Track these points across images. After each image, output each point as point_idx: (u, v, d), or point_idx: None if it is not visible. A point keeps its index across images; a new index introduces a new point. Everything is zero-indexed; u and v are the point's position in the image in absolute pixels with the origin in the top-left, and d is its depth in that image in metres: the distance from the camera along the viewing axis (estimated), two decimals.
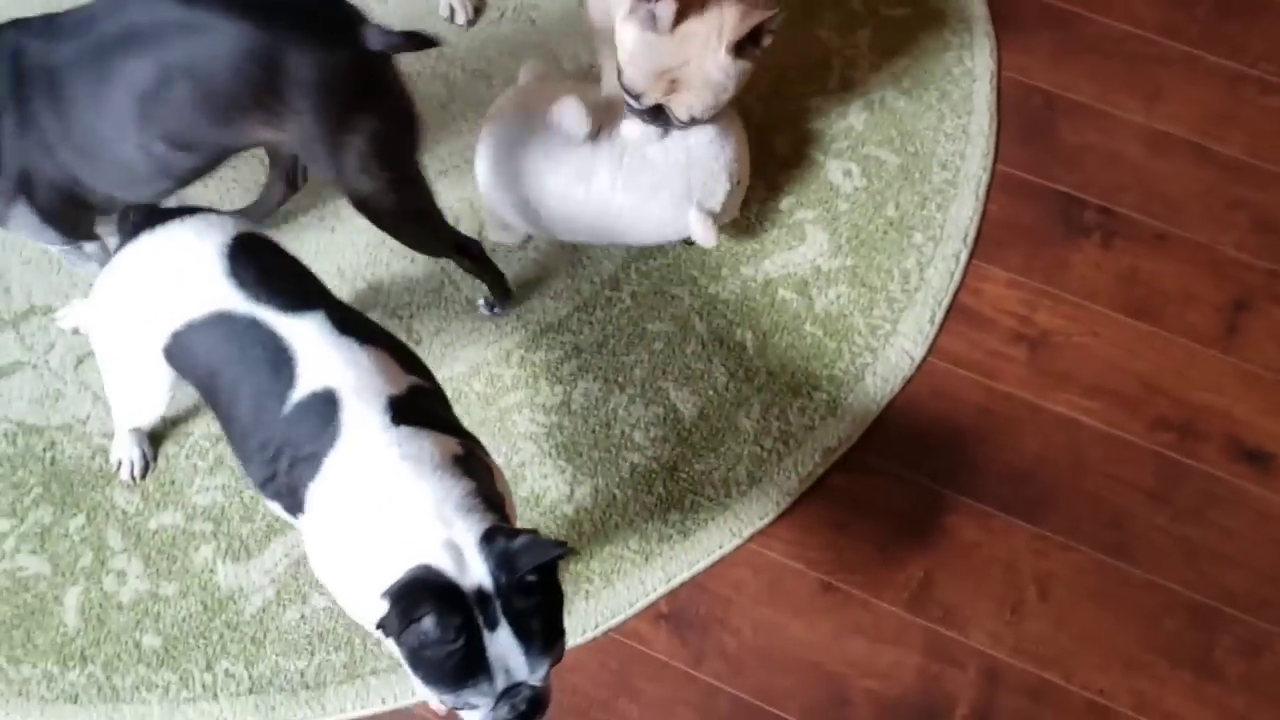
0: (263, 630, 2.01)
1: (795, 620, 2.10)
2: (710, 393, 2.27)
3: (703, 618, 2.10)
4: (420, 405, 1.64)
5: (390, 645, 1.47)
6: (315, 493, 1.58)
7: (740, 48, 2.12)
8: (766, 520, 2.17)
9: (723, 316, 2.34)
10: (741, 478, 2.19)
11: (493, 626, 1.41)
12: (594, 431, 2.22)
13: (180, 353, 1.67)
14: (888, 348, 2.33)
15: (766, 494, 2.18)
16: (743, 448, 2.22)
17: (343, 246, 2.37)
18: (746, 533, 2.16)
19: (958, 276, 2.43)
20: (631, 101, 2.22)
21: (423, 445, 1.56)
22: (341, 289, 2.32)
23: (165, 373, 1.72)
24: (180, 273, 1.68)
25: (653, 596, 2.10)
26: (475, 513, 1.49)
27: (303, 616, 2.03)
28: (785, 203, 2.49)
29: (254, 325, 1.63)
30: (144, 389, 1.81)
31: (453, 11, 2.66)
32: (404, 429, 1.57)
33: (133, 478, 2.10)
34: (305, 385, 1.60)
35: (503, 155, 2.31)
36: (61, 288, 2.30)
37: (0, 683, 1.95)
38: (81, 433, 2.16)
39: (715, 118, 2.27)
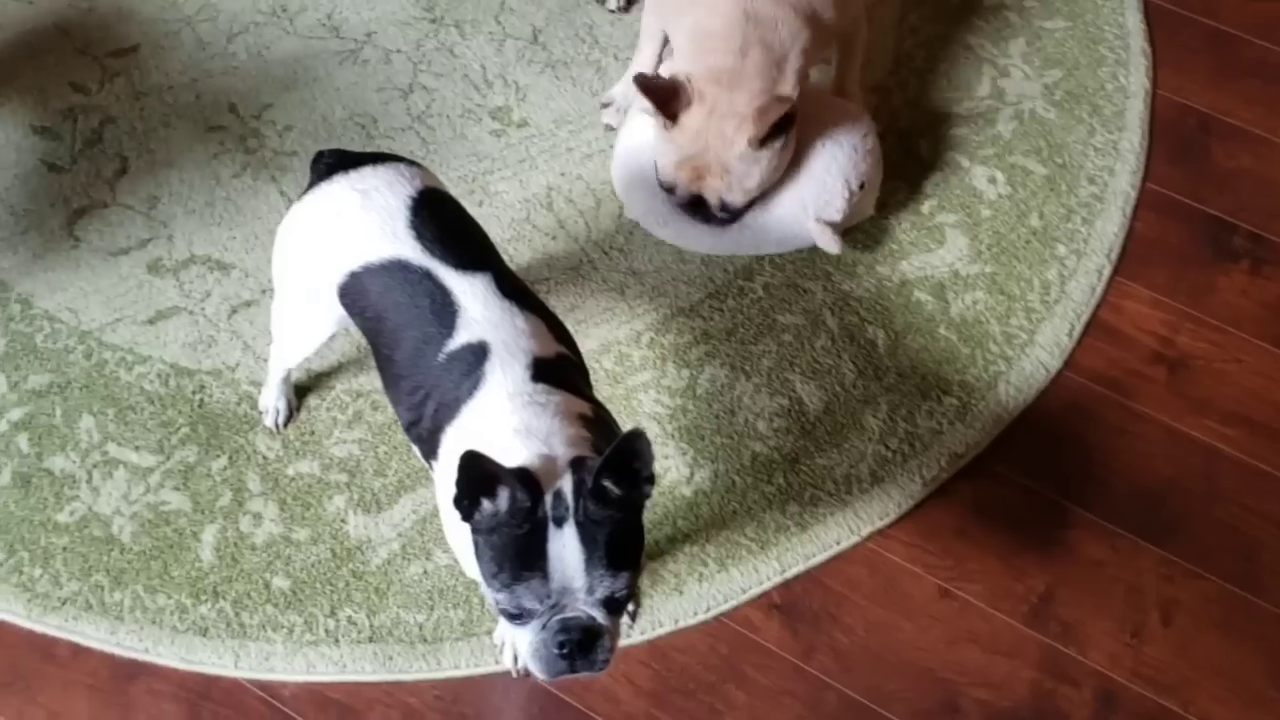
0: (386, 582, 2.07)
1: (909, 623, 2.09)
2: (837, 388, 2.27)
3: (815, 612, 2.10)
4: (562, 371, 1.69)
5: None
6: (450, 436, 1.63)
7: (761, 142, 2.16)
8: (887, 520, 2.16)
9: (855, 313, 2.34)
10: (864, 476, 2.19)
11: (560, 523, 1.42)
12: (718, 417, 2.23)
13: (354, 292, 1.75)
14: (1023, 358, 2.31)
15: (888, 494, 2.17)
16: (867, 446, 2.22)
17: (488, 220, 2.40)
18: (865, 531, 2.15)
19: (1099, 292, 2.39)
20: (670, 196, 2.29)
21: (551, 398, 1.61)
22: None
23: (334, 310, 1.80)
24: (366, 217, 1.75)
25: (766, 585, 2.10)
26: (577, 448, 1.53)
27: (425, 572, 2.08)
28: (926, 205, 2.48)
29: (427, 277, 1.70)
30: (310, 323, 1.90)
31: None
32: (540, 385, 1.63)
33: (276, 425, 2.18)
34: (462, 337, 1.66)
35: (633, 166, 2.36)
36: (221, 239, 2.39)
37: (137, 610, 2.04)
38: (230, 379, 2.25)
39: (833, 123, 2.29)
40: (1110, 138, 2.57)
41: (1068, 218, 2.47)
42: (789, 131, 2.22)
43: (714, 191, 2.24)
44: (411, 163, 1.87)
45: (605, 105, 2.55)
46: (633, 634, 2.05)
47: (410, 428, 1.72)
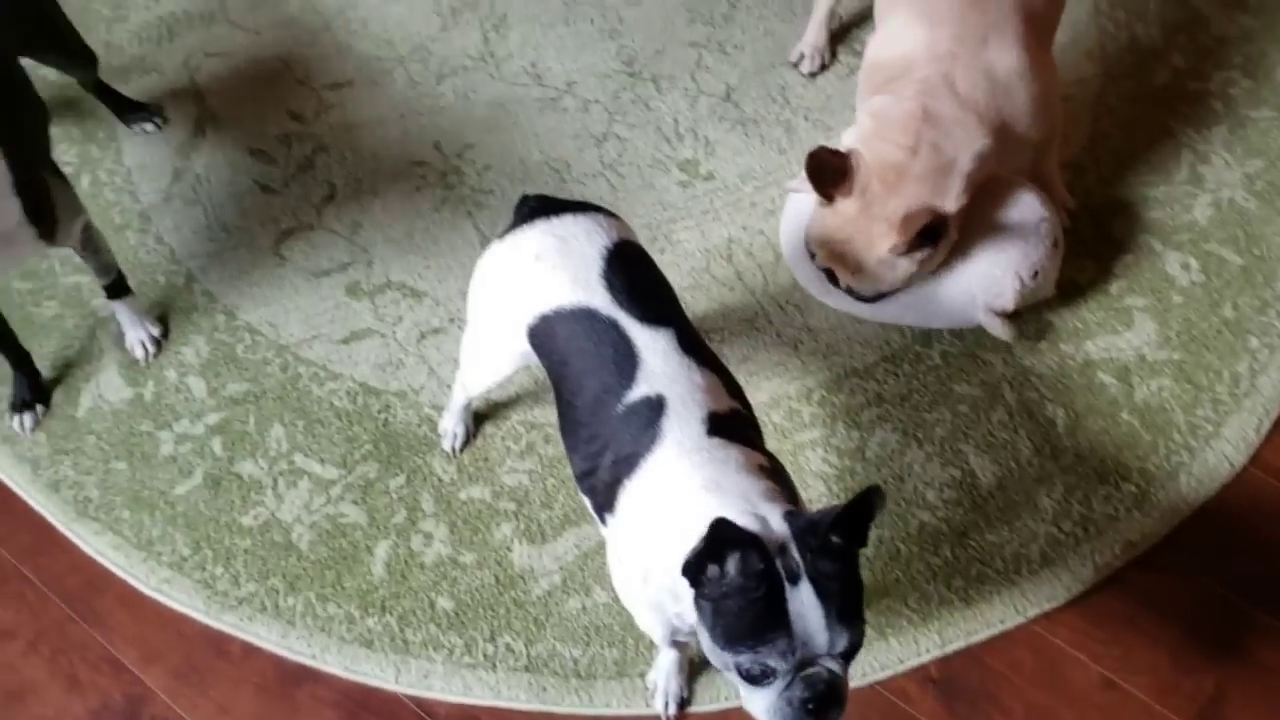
0: (545, 613, 2.10)
1: (1070, 711, 2.03)
2: (1012, 464, 2.24)
3: (974, 690, 2.06)
4: (735, 425, 1.71)
5: (690, 615, 1.51)
6: (629, 491, 1.65)
7: (907, 248, 2.13)
8: (1055, 604, 2.11)
9: (1035, 390, 2.31)
10: (1034, 556, 2.15)
11: (794, 580, 1.41)
12: (886, 482, 2.22)
13: (543, 334, 1.80)
14: (1207, 450, 2.24)
15: (1058, 577, 2.13)
16: (1039, 526, 2.17)
17: (668, 268, 2.44)
18: (1032, 613, 2.11)
19: None
20: (812, 257, 2.30)
21: (730, 453, 1.63)
22: None
23: (521, 348, 1.85)
24: (562, 263, 1.80)
25: (925, 658, 2.07)
26: (778, 502, 1.53)
27: (584, 607, 2.11)
28: (1115, 286, 2.43)
29: (613, 327, 1.73)
30: (497, 358, 1.96)
31: (802, 59, 2.75)
32: (716, 440, 1.65)
33: (453, 449, 2.24)
34: (640, 389, 1.69)
35: (797, 232, 2.37)
36: (416, 268, 2.49)
37: (308, 616, 2.11)
38: (414, 401, 2.33)
39: (1009, 211, 2.26)
40: None
41: (1263, 310, 2.40)
42: (939, 241, 2.18)
43: (843, 276, 2.25)
44: (610, 214, 1.91)
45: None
46: None
47: (584, 477, 1.75)
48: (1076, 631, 2.10)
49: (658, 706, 2.02)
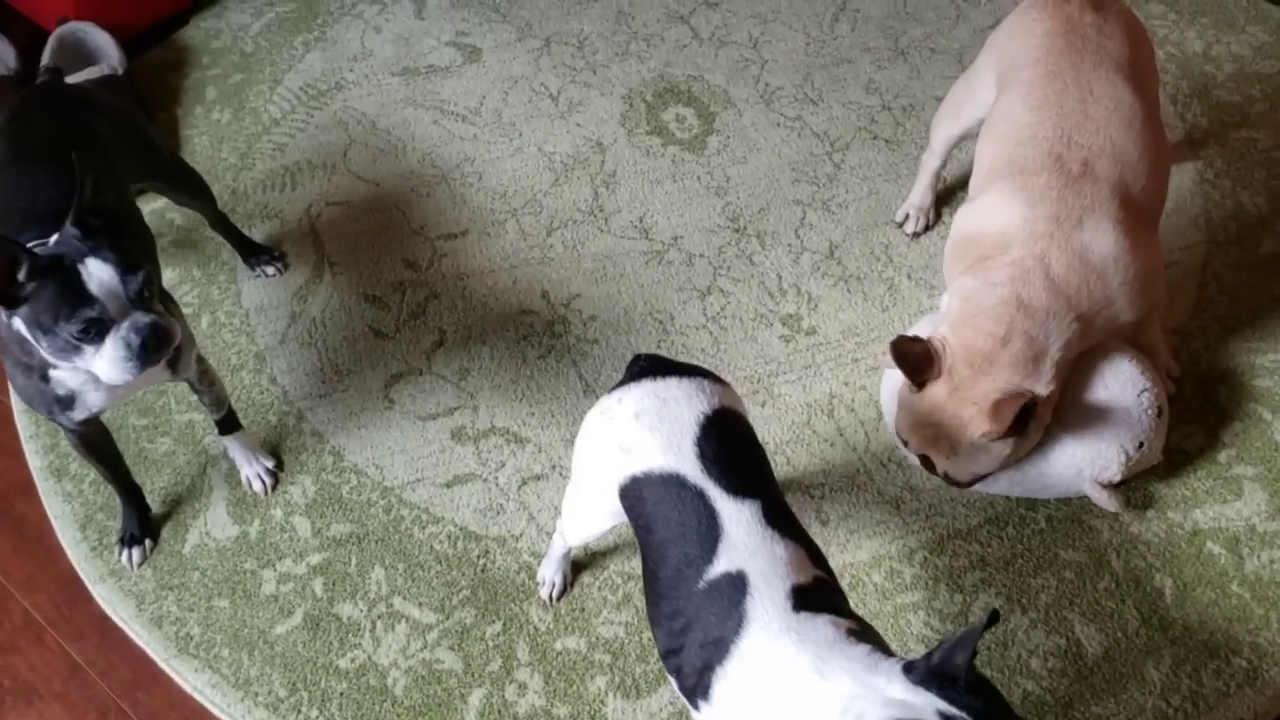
0: None
1: None
2: (1119, 634, 2.18)
3: None
4: (821, 595, 1.68)
5: None
6: (725, 678, 1.61)
7: (1010, 428, 2.10)
8: None
9: (1142, 558, 2.26)
10: None
11: None
12: (989, 649, 2.18)
13: (632, 496, 1.81)
14: None
15: None
16: (1147, 699, 2.11)
17: (769, 421, 2.49)
18: None
19: None
20: (901, 447, 2.30)
21: (820, 626, 1.60)
22: None
23: (614, 506, 1.86)
24: (659, 425, 1.81)
25: None
26: (883, 661, 1.51)
27: None
28: (1224, 455, 2.40)
29: (699, 497, 1.72)
30: (596, 513, 1.96)
31: (906, 219, 2.79)
32: (803, 614, 1.62)
33: (550, 598, 2.25)
34: (722, 564, 1.67)
35: (897, 394, 2.34)
36: (521, 414, 2.53)
37: None
38: (513, 547, 2.35)
39: (1112, 383, 2.24)
40: None
41: None
42: (1031, 423, 2.16)
43: (941, 465, 2.22)
44: (717, 379, 1.91)
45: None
46: None
47: (669, 656, 1.71)
48: None
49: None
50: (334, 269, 2.81)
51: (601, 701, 2.16)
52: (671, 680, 1.75)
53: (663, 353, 2.58)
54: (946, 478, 2.26)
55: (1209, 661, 2.15)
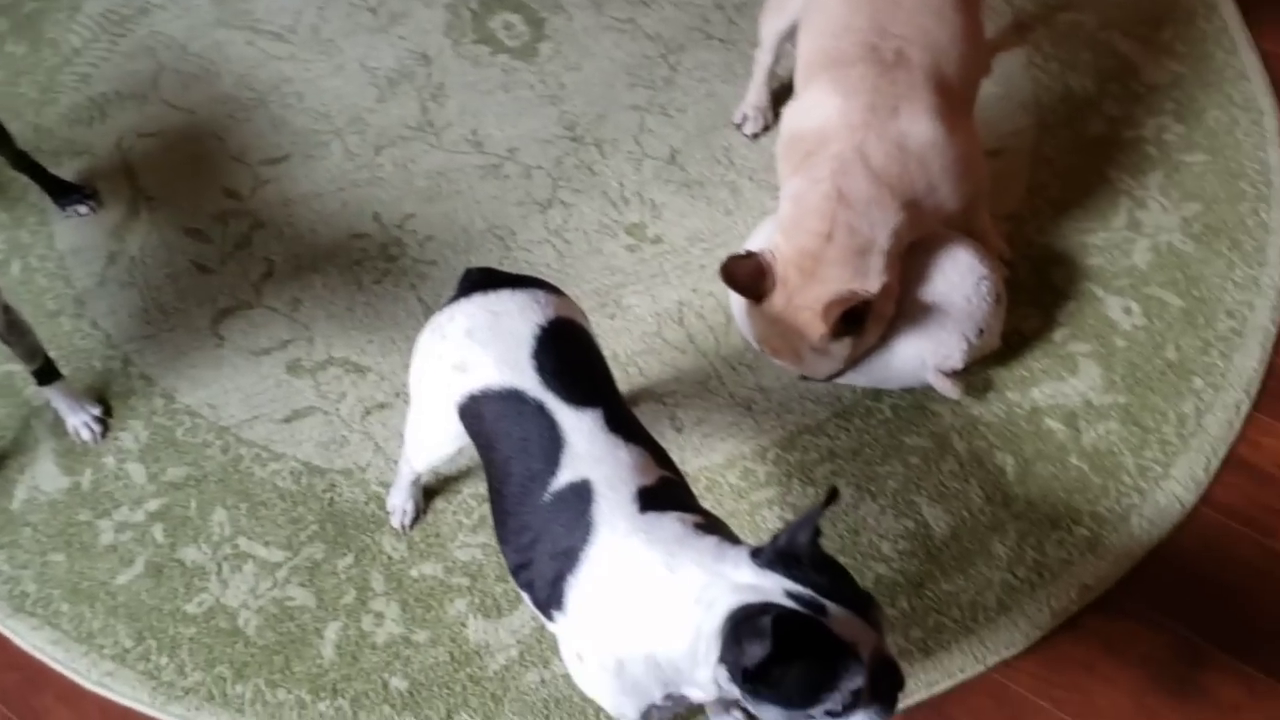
0: (503, 688, 2.06)
1: None
2: (964, 513, 2.23)
3: None
4: (666, 493, 1.68)
5: (706, 688, 1.50)
6: (578, 587, 1.59)
7: (834, 333, 2.11)
8: (1013, 651, 2.10)
9: (984, 439, 2.31)
10: (990, 604, 2.14)
11: (821, 611, 1.41)
12: (841, 537, 2.21)
13: (471, 414, 1.76)
14: (1157, 491, 2.25)
15: (1015, 624, 2.12)
16: (994, 574, 2.17)
17: (619, 334, 2.46)
18: (991, 660, 2.09)
19: (1237, 427, 2.34)
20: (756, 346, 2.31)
21: (666, 524, 1.60)
22: (616, 373, 2.39)
23: (455, 426, 1.81)
24: (492, 340, 1.75)
25: None
26: (731, 550, 1.52)
27: (542, 680, 2.07)
28: (1059, 334, 2.45)
29: (539, 410, 1.69)
30: (436, 434, 1.91)
31: (745, 120, 2.76)
32: (650, 514, 1.61)
33: (403, 526, 2.21)
34: (566, 475, 1.65)
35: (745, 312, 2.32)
36: (359, 342, 2.46)
37: (258, 704, 2.06)
38: (360, 479, 2.29)
39: (950, 272, 2.26)
40: (1250, 272, 2.53)
41: (1205, 351, 2.42)
42: (868, 320, 2.17)
43: (791, 368, 2.24)
44: (551, 289, 1.87)
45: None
46: None
47: (519, 572, 1.69)
48: (1037, 678, 2.09)
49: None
50: (151, 204, 2.68)
51: (462, 624, 2.13)
52: (524, 596, 1.73)
53: (503, 269, 2.53)
54: (804, 378, 2.28)
55: (1051, 533, 2.21)
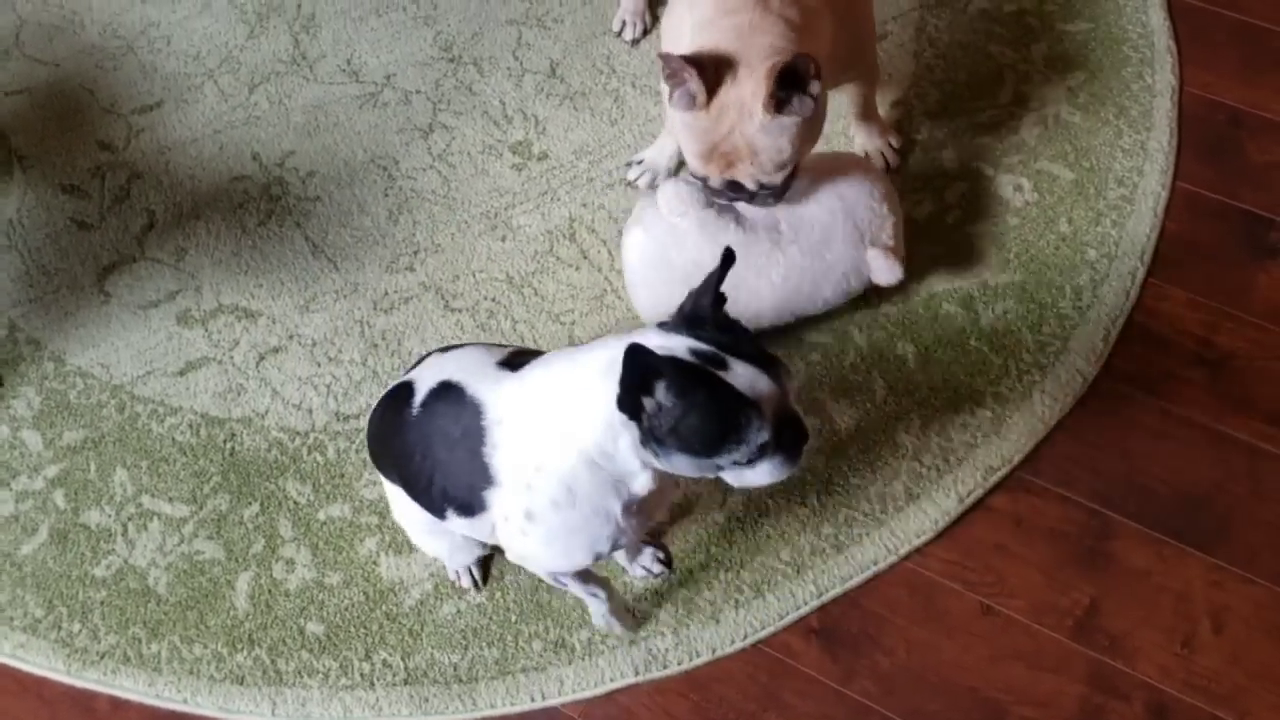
0: (420, 623, 2.06)
1: (951, 642, 2.05)
2: (868, 406, 2.24)
3: (855, 635, 2.06)
4: (521, 358, 1.73)
5: (642, 476, 1.58)
6: (501, 451, 1.63)
7: (780, 103, 1.97)
8: (924, 538, 2.12)
9: (883, 329, 2.31)
10: (899, 494, 2.15)
11: (721, 365, 1.47)
12: None
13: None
14: (1057, 365, 2.26)
15: (924, 511, 2.14)
16: (901, 463, 2.18)
17: (512, 254, 2.43)
18: (903, 550, 2.12)
19: (1134, 295, 2.34)
20: (705, 187, 2.14)
21: (539, 361, 1.67)
22: (510, 296, 2.38)
23: None
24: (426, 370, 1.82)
25: (804, 610, 2.07)
26: (635, 330, 1.55)
27: (458, 611, 2.07)
28: (951, 217, 2.44)
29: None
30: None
31: (624, 26, 2.71)
32: (519, 370, 1.68)
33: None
34: (423, 388, 1.74)
35: (655, 265, 2.23)
36: (247, 287, 2.41)
37: (174, 661, 2.05)
38: (260, 425, 2.26)
39: (854, 166, 2.22)
40: (1138, 138, 2.52)
41: (1097, 221, 2.42)
42: (809, 87, 1.98)
43: (748, 175, 2.07)
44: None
45: (631, 164, 2.52)
46: (670, 662, 2.02)
47: (424, 494, 1.75)
48: (948, 563, 2.11)
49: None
50: (24, 163, 2.59)
51: (374, 563, 2.12)
52: (451, 517, 1.74)
53: (389, 199, 2.49)
54: (762, 191, 2.10)
55: (955, 417, 2.22)
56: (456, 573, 2.09)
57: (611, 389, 1.45)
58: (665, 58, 1.96)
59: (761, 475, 1.55)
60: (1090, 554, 2.11)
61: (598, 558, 1.72)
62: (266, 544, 2.14)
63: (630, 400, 1.45)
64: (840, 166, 2.27)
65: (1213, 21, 2.71)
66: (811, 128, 2.07)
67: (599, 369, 1.52)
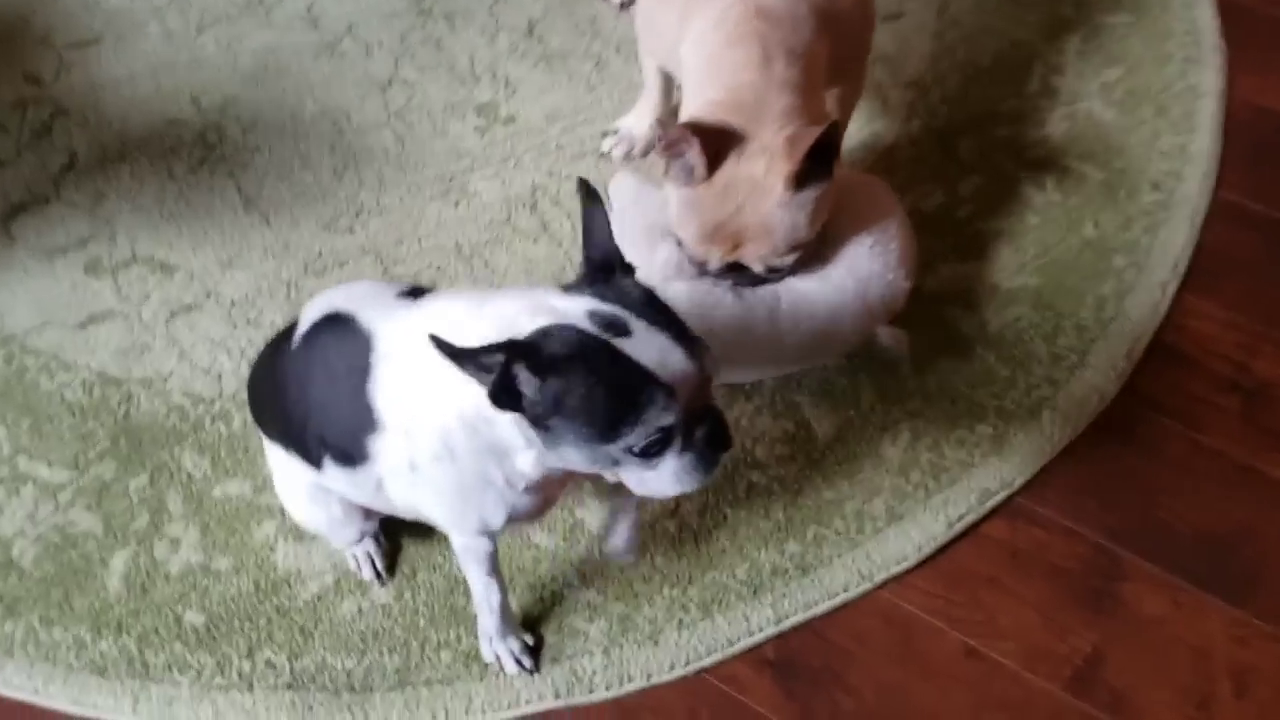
0: (314, 620, 1.79)
1: (928, 686, 1.76)
2: (851, 412, 1.96)
3: (816, 670, 1.77)
4: (427, 292, 1.53)
5: (527, 458, 1.37)
6: (380, 392, 1.40)
7: (801, 178, 1.72)
8: (905, 565, 1.84)
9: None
10: (879, 513, 1.87)
11: (623, 331, 1.24)
12: None
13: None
14: (1072, 381, 1.98)
15: (907, 535, 1.85)
16: (884, 479, 1.90)
17: (464, 222, 2.18)
18: (879, 577, 1.83)
19: (1163, 309, 2.07)
20: (704, 270, 1.85)
21: (457, 292, 1.48)
22: (458, 266, 2.12)
23: None
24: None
25: (758, 637, 1.78)
26: (544, 287, 1.34)
27: (360, 610, 1.79)
28: (964, 211, 2.18)
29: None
30: None
31: None
32: (429, 296, 1.48)
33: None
34: (306, 320, 1.54)
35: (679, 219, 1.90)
36: (167, 238, 2.16)
37: (29, 644, 1.78)
38: (161, 389, 2.00)
39: (870, 213, 1.90)
40: (1178, 141, 2.25)
41: (1127, 227, 2.15)
42: (836, 157, 1.79)
43: (757, 258, 1.81)
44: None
45: (607, 134, 2.27)
46: (597, 685, 1.74)
47: (300, 442, 1.54)
48: (931, 595, 1.83)
49: (509, 668, 1.74)
50: None
51: (270, 548, 1.85)
52: (329, 468, 1.51)
53: (335, 155, 2.25)
54: (770, 273, 1.84)
55: (951, 431, 1.94)
56: (355, 559, 1.82)
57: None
58: (662, 126, 1.82)
59: (666, 479, 1.31)
60: (1096, 595, 1.82)
61: (490, 530, 1.50)
62: (151, 520, 1.88)
63: (505, 394, 1.23)
64: (857, 218, 1.91)
65: (1266, 24, 2.46)
66: (829, 198, 1.80)
67: (493, 325, 1.28)
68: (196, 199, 2.21)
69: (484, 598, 1.68)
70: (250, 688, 1.73)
